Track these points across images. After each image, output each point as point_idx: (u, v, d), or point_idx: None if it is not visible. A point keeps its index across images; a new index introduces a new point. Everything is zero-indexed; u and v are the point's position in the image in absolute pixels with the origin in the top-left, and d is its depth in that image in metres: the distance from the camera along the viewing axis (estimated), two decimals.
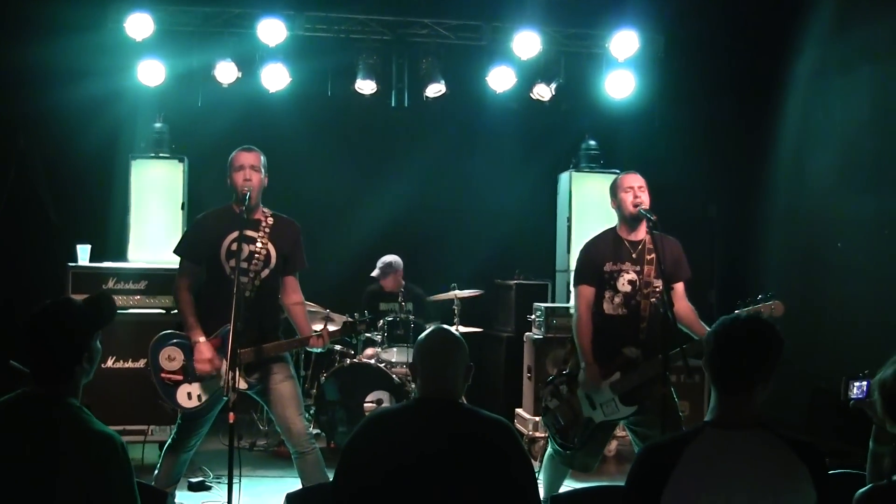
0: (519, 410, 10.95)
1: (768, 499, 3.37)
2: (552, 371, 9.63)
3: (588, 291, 7.13)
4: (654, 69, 11.94)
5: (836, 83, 11.48)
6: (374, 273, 11.13)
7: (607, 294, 7.08)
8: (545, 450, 7.65)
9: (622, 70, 11.69)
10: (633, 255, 7.10)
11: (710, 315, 6.30)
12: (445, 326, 4.47)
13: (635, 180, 7.23)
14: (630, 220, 7.16)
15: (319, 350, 7.51)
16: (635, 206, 7.07)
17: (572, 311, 7.28)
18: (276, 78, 11.00)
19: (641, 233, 7.16)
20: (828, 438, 9.00)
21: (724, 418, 3.53)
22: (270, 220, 7.13)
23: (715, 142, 12.84)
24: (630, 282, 7.05)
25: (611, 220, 7.43)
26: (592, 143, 12.16)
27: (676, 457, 3.43)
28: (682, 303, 7.02)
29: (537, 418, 10.23)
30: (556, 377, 7.38)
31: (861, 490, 3.36)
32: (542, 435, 10.12)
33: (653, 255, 7.00)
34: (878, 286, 10.33)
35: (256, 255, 6.97)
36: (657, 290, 7.00)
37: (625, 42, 11.41)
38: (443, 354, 4.29)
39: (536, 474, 8.31)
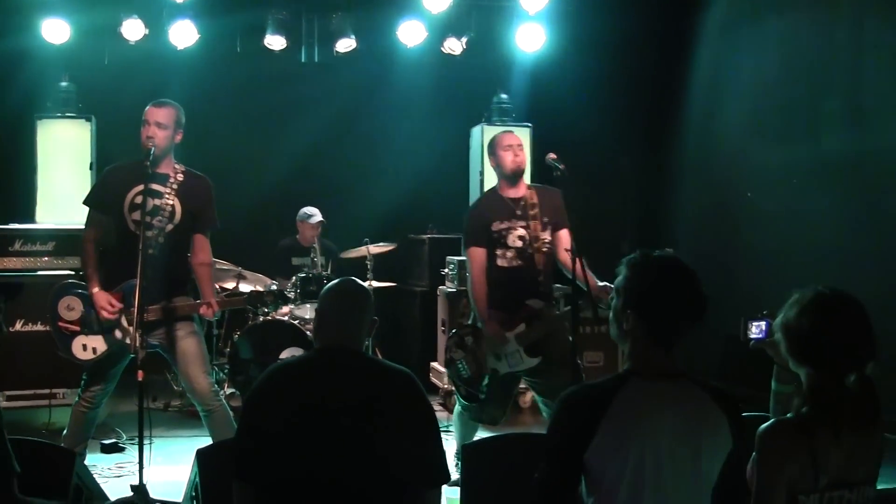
0: (434, 364, 10.98)
1: (691, 447, 3.38)
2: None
3: (479, 253, 7.20)
4: (564, 22, 11.93)
5: (746, 34, 11.60)
6: (313, 220, 10.94)
7: (499, 252, 7.16)
8: None
9: (533, 23, 11.67)
10: (518, 212, 7.18)
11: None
12: (353, 278, 4.45)
13: (513, 139, 7.34)
14: (510, 178, 7.27)
15: (210, 319, 7.50)
16: (515, 164, 7.20)
17: (467, 272, 7.34)
18: (184, 35, 10.82)
19: (522, 189, 7.28)
20: (739, 384, 9.13)
21: (648, 368, 3.50)
22: (180, 176, 7.03)
23: (626, 94, 12.91)
24: (520, 237, 7.14)
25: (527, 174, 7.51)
26: (504, 96, 12.17)
27: (604, 407, 3.38)
28: (565, 252, 7.05)
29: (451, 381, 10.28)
30: (460, 329, 7.43)
31: (764, 425, 3.40)
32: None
33: (536, 210, 7.12)
34: (787, 234, 10.50)
35: (161, 211, 6.87)
36: (547, 242, 7.14)
37: None
38: (348, 304, 4.28)
39: (446, 427, 8.40)
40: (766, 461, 3.33)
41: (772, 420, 3.48)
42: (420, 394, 4.17)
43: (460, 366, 7.23)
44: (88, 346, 6.86)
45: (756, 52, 11.52)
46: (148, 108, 6.97)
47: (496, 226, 7.16)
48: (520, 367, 7.01)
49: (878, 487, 3.54)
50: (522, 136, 11.17)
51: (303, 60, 11.65)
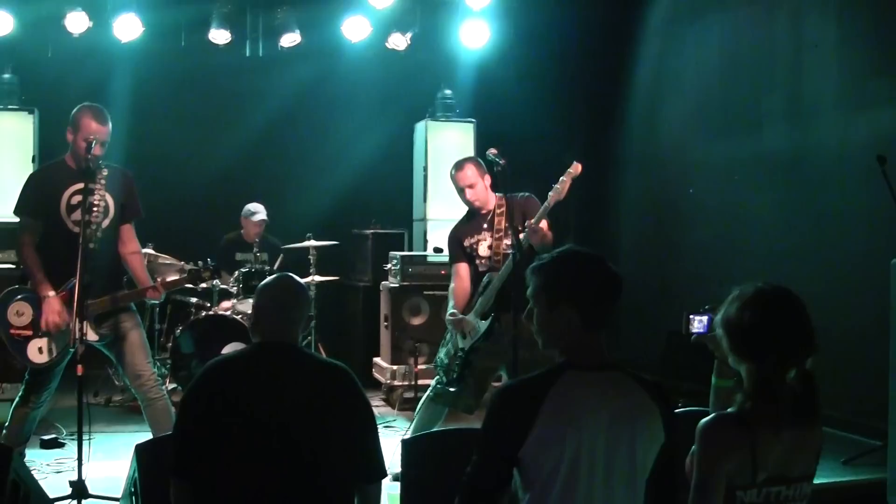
0: (377, 359, 10.99)
1: (626, 439, 3.42)
2: (409, 319, 9.80)
3: (462, 267, 7.65)
4: (509, 18, 11.99)
5: (688, 30, 11.69)
6: (255, 218, 10.92)
7: (477, 262, 7.54)
8: (402, 398, 7.87)
9: (477, 19, 11.73)
10: (484, 225, 7.55)
11: None
12: (289, 274, 4.46)
13: (463, 180, 7.57)
14: (474, 211, 7.65)
15: (156, 301, 7.53)
16: (473, 203, 7.57)
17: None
18: (128, 28, 10.75)
19: (491, 203, 7.58)
20: (680, 379, 9.21)
21: (582, 359, 3.55)
22: (105, 171, 7.08)
23: (570, 89, 12.99)
24: (489, 247, 7.47)
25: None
26: (448, 92, 12.20)
27: (540, 400, 3.41)
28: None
29: (395, 367, 10.31)
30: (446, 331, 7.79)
31: (704, 419, 3.44)
32: (400, 383, 10.20)
33: (502, 210, 7.37)
34: (729, 229, 10.60)
35: (96, 207, 6.92)
36: (508, 238, 7.31)
37: None
38: (285, 300, 4.28)
39: (387, 422, 8.44)
40: (705, 455, 3.36)
41: (712, 414, 3.51)
42: (357, 389, 4.19)
43: (442, 356, 7.59)
44: (44, 349, 6.88)
45: (698, 48, 11.61)
46: (86, 116, 6.93)
47: (467, 241, 7.57)
48: (477, 332, 7.29)
49: (816, 481, 3.59)
50: (465, 131, 11.27)
51: (247, 55, 11.63)
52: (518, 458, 3.43)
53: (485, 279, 7.33)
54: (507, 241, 7.31)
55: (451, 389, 7.39)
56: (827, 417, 8.68)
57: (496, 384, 7.26)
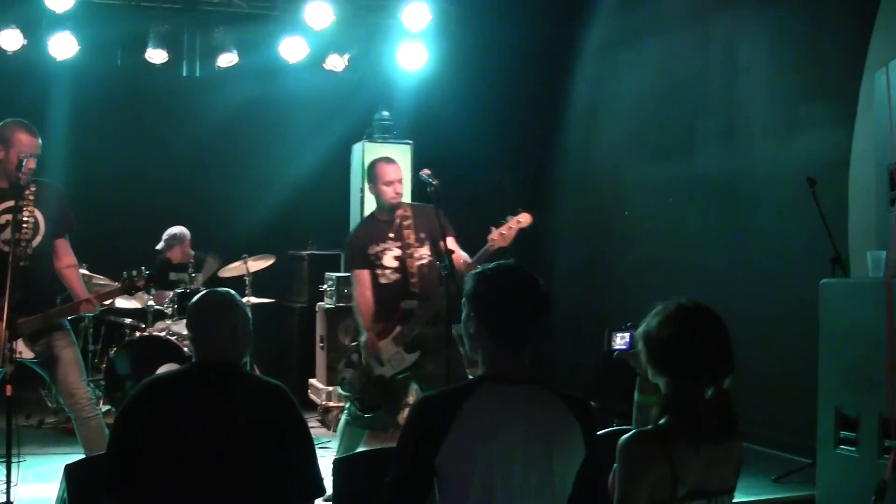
0: (312, 380, 10.97)
1: (543, 452, 3.44)
2: (345, 340, 9.81)
3: (363, 274, 7.50)
4: (446, 40, 12.03)
5: (624, 54, 11.80)
6: (159, 246, 10.94)
7: (378, 272, 7.44)
8: (337, 419, 7.84)
9: (415, 41, 11.76)
10: (392, 234, 7.47)
11: None
12: (220, 289, 4.45)
13: (395, 173, 7.51)
14: (388, 210, 7.53)
15: (91, 314, 7.47)
16: (395, 199, 7.46)
17: (353, 293, 7.53)
18: (63, 46, 10.66)
19: (398, 210, 7.53)
20: (617, 400, 9.26)
21: (499, 372, 3.57)
22: (33, 187, 6.99)
23: (507, 111, 13.04)
24: (396, 257, 7.43)
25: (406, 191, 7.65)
26: (385, 113, 12.18)
27: (454, 411, 3.43)
28: (456, 254, 7.13)
29: (331, 388, 10.29)
30: (348, 351, 7.75)
31: (625, 435, 3.47)
32: (335, 404, 10.18)
33: (409, 221, 7.40)
34: (663, 251, 10.69)
35: (25, 225, 6.83)
36: (421, 255, 7.41)
37: (416, 13, 11.42)
38: (212, 316, 4.27)
39: (323, 443, 8.42)
40: (625, 471, 3.39)
41: (632, 430, 3.55)
42: (294, 408, 4.19)
43: (352, 382, 7.45)
44: None
45: (634, 72, 11.73)
46: (17, 132, 6.90)
47: (372, 249, 7.44)
48: (402, 365, 7.28)
49: (738, 500, 3.64)
50: (402, 153, 11.28)
51: (184, 74, 11.57)
52: (434, 467, 3.45)
53: (405, 304, 7.27)
54: (422, 252, 7.35)
55: (369, 416, 7.38)
56: (758, 436, 8.84)
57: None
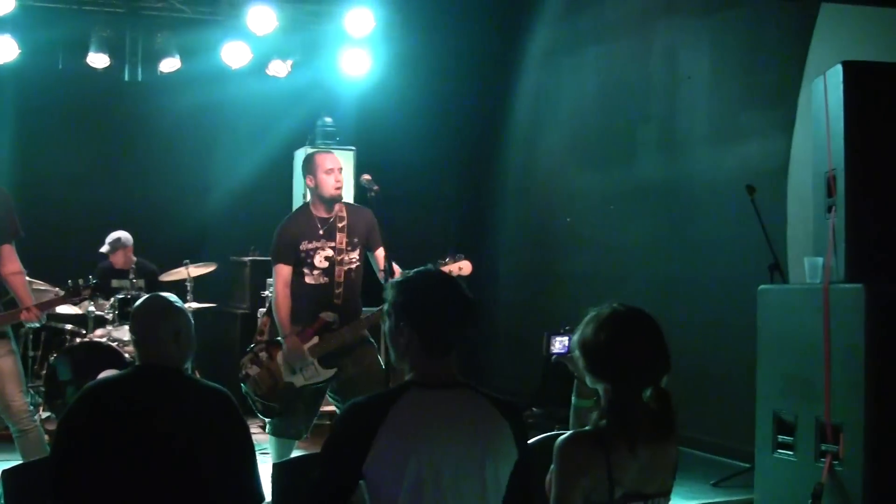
0: None
1: (476, 455, 3.45)
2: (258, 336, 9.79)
3: (285, 270, 7.23)
4: (390, 46, 12.05)
5: (566, 61, 11.85)
6: (104, 249, 10.88)
7: (305, 271, 7.21)
8: None
9: (358, 47, 11.77)
10: (326, 232, 7.25)
11: None
12: (161, 294, 4.44)
13: (335, 162, 7.33)
14: (328, 201, 7.29)
15: (36, 324, 7.36)
16: (337, 189, 7.23)
17: (270, 289, 7.41)
18: (4, 50, 10.57)
19: (334, 208, 7.30)
20: (560, 405, 9.30)
21: (427, 378, 3.58)
22: None
23: (451, 118, 13.08)
24: (327, 258, 7.21)
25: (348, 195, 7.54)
26: (328, 119, 12.18)
27: (382, 417, 3.43)
28: (381, 273, 7.10)
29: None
30: (256, 345, 7.47)
31: (561, 437, 3.50)
32: None
33: (343, 224, 7.21)
34: (605, 258, 10.75)
35: None
36: (354, 260, 7.24)
37: (360, 19, 11.42)
38: (156, 320, 4.26)
39: (265, 449, 8.35)
40: (563, 473, 3.42)
41: (569, 432, 3.58)
42: (235, 413, 4.18)
43: (256, 381, 7.26)
44: None
45: (576, 79, 11.79)
46: None
47: (304, 245, 7.21)
48: (315, 379, 7.11)
49: (687, 503, 3.68)
50: (346, 158, 11.26)
51: (126, 79, 11.52)
52: (363, 473, 3.45)
53: (325, 316, 7.12)
54: (353, 256, 7.21)
55: (275, 419, 7.25)
56: (698, 441, 8.92)
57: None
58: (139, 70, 11.53)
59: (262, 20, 11.01)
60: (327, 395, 7.38)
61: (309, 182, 7.37)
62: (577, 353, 3.65)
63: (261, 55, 11.63)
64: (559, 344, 4.13)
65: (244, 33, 11.25)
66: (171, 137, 12.47)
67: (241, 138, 12.78)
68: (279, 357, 7.20)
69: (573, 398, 4.00)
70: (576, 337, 3.67)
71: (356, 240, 7.22)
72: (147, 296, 4.48)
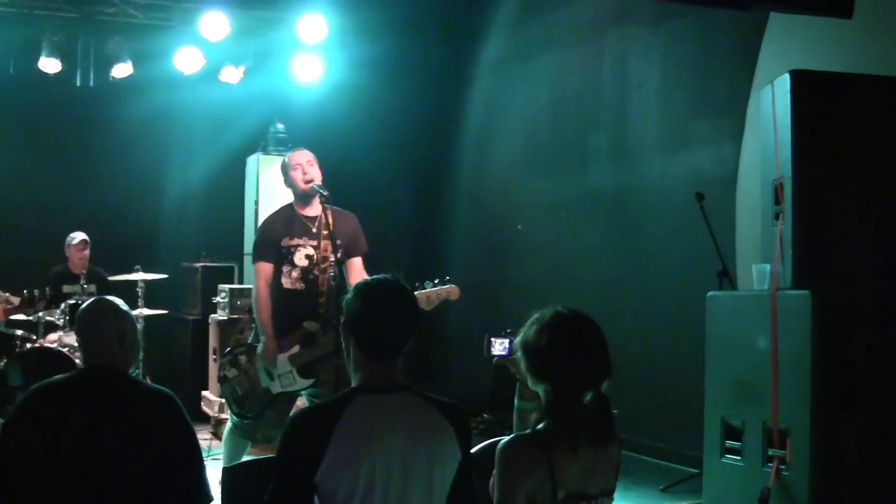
0: (205, 392, 10.90)
1: (422, 458, 3.48)
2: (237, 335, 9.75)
3: (266, 268, 7.16)
4: (343, 54, 12.06)
5: (519, 70, 11.91)
6: (75, 242, 10.77)
7: (285, 269, 7.13)
8: None
9: (310, 54, 11.78)
10: (312, 230, 7.18)
11: None
12: (107, 297, 4.44)
13: (304, 156, 7.30)
14: (303, 197, 7.24)
15: None
16: (306, 182, 7.14)
17: (252, 286, 7.37)
18: None
19: (317, 208, 7.21)
20: (509, 412, 9.33)
21: (373, 383, 3.60)
22: None
23: (404, 126, 13.11)
24: (307, 256, 7.12)
25: None
26: (280, 126, 12.18)
27: (332, 425, 3.44)
28: (359, 277, 7.05)
29: (223, 400, 10.22)
30: (235, 347, 7.43)
31: (503, 440, 3.52)
32: (228, 416, 10.13)
33: (328, 231, 7.05)
34: (555, 264, 10.80)
35: None
36: (333, 264, 7.10)
37: (312, 26, 11.43)
38: (101, 323, 4.26)
39: (215, 454, 8.34)
40: (505, 475, 3.43)
41: (511, 435, 3.60)
42: (181, 415, 4.19)
43: (234, 384, 7.23)
44: None
45: (528, 87, 11.85)
46: None
47: (286, 242, 7.14)
48: (293, 387, 7.05)
49: None
50: None
51: (78, 84, 11.46)
52: (315, 483, 3.45)
53: (308, 326, 7.04)
54: (334, 259, 7.06)
55: (248, 422, 7.18)
56: (647, 447, 8.97)
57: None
58: (91, 75, 11.49)
59: (214, 26, 11.00)
60: (304, 398, 7.35)
61: (286, 183, 7.37)
62: (519, 354, 3.68)
63: (213, 61, 11.61)
64: (500, 346, 4.15)
65: (197, 39, 11.24)
66: (123, 143, 12.43)
67: (194, 144, 12.75)
68: (258, 362, 7.16)
69: (516, 400, 4.03)
70: (518, 339, 3.70)
71: (339, 242, 7.11)
72: (92, 299, 4.47)
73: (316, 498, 3.50)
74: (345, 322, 3.71)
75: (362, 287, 3.75)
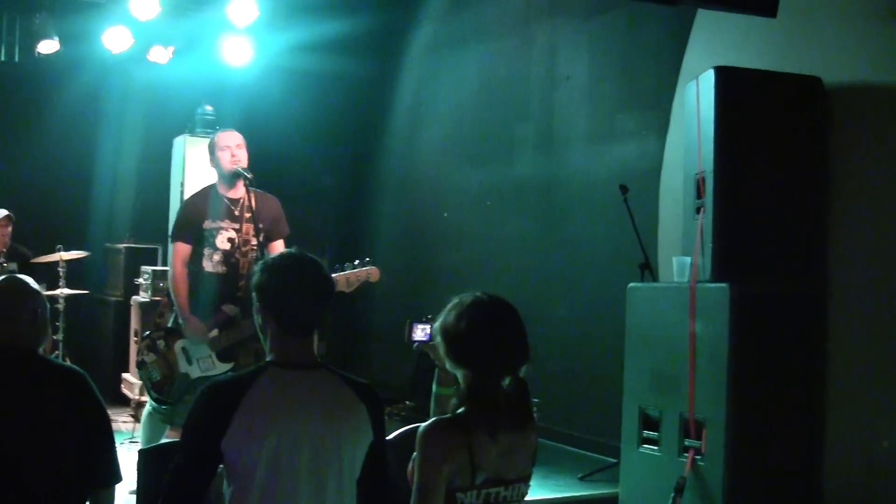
0: (126, 375, 10.84)
1: (332, 435, 3.52)
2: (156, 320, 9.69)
3: (184, 248, 7.16)
4: (273, 37, 12.00)
5: (448, 58, 11.93)
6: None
7: (206, 251, 7.12)
8: None
9: (241, 36, 11.71)
10: (234, 213, 7.18)
11: None
12: (15, 275, 4.40)
13: (233, 138, 7.29)
14: (228, 178, 7.22)
15: None
16: (233, 164, 7.14)
17: (169, 266, 7.34)
18: None
19: (240, 190, 7.20)
20: (428, 399, 9.36)
21: (286, 358, 3.64)
22: None
23: (333, 111, 13.10)
24: (229, 239, 7.13)
25: None
26: (209, 108, 12.10)
27: (239, 396, 3.48)
28: None
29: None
30: (154, 331, 7.38)
31: (423, 424, 3.55)
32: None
33: (251, 214, 7.10)
34: (481, 254, 10.84)
35: None
36: (255, 247, 7.12)
37: (243, 8, 11.34)
38: (14, 300, 4.21)
39: (132, 436, 8.28)
40: (425, 459, 3.46)
41: (431, 420, 3.63)
42: (92, 393, 4.17)
43: (151, 369, 7.15)
44: None
45: (457, 76, 11.87)
46: None
47: (208, 224, 7.13)
48: (211, 371, 6.99)
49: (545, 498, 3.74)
50: None
51: (2, 59, 11.32)
52: (220, 451, 3.48)
53: (228, 309, 7.06)
54: (255, 247, 7.10)
55: (168, 406, 7.12)
56: (566, 435, 9.04)
57: None
58: (16, 51, 11.32)
59: (144, 5, 10.85)
60: None
61: (211, 163, 7.35)
62: (438, 339, 3.71)
63: (142, 41, 11.47)
64: (421, 332, 4.19)
65: (126, 18, 11.10)
66: (50, 121, 12.27)
67: (122, 124, 12.66)
68: (177, 346, 7.11)
69: (434, 386, 4.06)
70: (437, 323, 3.73)
71: (261, 226, 7.09)
72: (3, 277, 4.42)
73: (224, 469, 3.54)
74: (256, 297, 3.74)
75: (269, 262, 3.81)
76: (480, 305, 3.66)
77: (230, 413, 3.46)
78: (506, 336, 3.62)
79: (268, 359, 3.69)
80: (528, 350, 3.64)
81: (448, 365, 3.70)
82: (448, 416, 3.60)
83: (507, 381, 3.59)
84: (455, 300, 3.73)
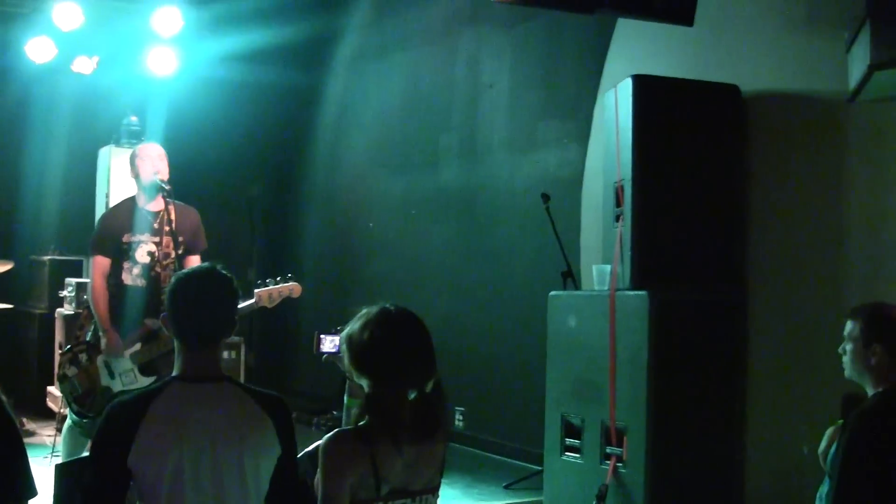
0: (51, 388, 10.71)
1: (235, 449, 3.51)
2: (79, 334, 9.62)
3: (104, 262, 7.12)
4: (199, 47, 11.94)
5: (372, 67, 11.95)
6: None
7: (126, 265, 7.09)
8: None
9: (166, 46, 11.64)
10: (154, 226, 7.14)
11: (248, 293, 6.53)
12: None
13: (155, 150, 7.28)
14: (147, 190, 7.18)
15: None
16: (154, 176, 7.09)
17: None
18: None
19: (160, 203, 7.15)
20: None
21: (190, 372, 3.65)
22: None
23: (258, 121, 13.07)
24: (149, 253, 7.10)
25: None
26: (134, 118, 12.01)
27: (142, 412, 3.49)
28: None
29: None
30: (76, 345, 7.30)
31: (326, 435, 3.54)
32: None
33: (171, 227, 7.06)
34: (406, 262, 10.86)
35: None
36: (175, 261, 7.09)
37: (168, 18, 11.27)
38: None
39: (56, 450, 8.20)
40: (328, 471, 3.45)
41: (334, 431, 3.63)
42: (1, 405, 4.13)
43: (74, 382, 7.10)
44: None
45: (381, 85, 11.89)
46: None
47: (127, 237, 7.09)
48: (133, 385, 6.96)
49: None
50: None
51: None
52: (128, 467, 3.48)
53: (150, 323, 6.98)
54: (174, 257, 7.08)
55: (88, 420, 7.05)
56: (491, 444, 9.07)
57: None
58: None
59: (67, 15, 10.77)
60: None
61: (132, 173, 7.29)
62: (343, 349, 3.72)
63: (66, 51, 11.37)
64: (330, 343, 4.21)
65: (49, 28, 11.00)
66: None
67: (46, 135, 12.50)
68: (99, 360, 7.07)
69: (345, 398, 4.07)
70: (343, 334, 3.74)
71: (181, 238, 7.07)
72: None
73: (132, 484, 3.53)
74: (167, 309, 3.78)
75: (177, 276, 3.85)
76: (387, 316, 3.66)
77: (134, 429, 3.47)
78: (409, 349, 3.62)
79: (174, 373, 3.69)
80: (432, 365, 3.63)
81: (354, 375, 3.70)
82: (351, 427, 3.60)
83: (412, 394, 3.59)
84: (363, 311, 3.73)
